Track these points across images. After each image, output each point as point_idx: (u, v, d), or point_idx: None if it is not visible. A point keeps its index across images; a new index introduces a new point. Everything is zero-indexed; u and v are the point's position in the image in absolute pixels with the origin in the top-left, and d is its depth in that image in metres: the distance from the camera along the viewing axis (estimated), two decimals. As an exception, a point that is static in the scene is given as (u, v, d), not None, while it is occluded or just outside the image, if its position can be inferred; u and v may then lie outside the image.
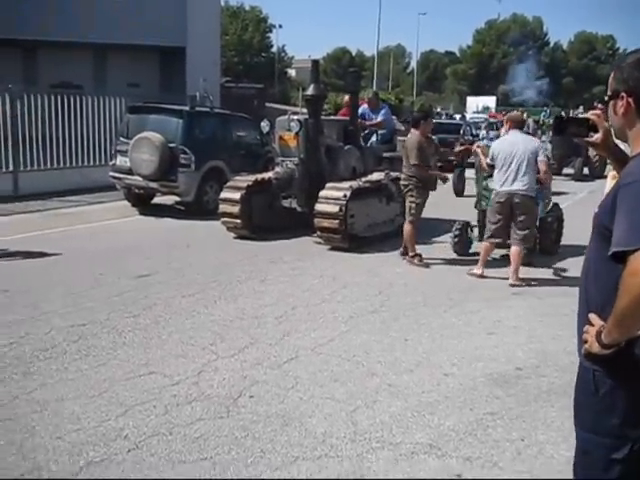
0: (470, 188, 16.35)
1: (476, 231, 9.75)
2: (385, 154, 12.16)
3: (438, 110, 45.76)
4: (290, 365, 5.44)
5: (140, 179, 12.43)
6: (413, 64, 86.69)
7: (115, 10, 24.38)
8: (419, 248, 9.49)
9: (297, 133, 10.68)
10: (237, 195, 10.36)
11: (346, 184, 10.09)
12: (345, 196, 9.70)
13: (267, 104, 30.81)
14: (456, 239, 9.75)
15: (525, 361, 5.72)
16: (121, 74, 26.35)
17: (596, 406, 2.40)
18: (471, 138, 22.55)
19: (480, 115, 42.67)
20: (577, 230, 8.74)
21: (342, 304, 7.20)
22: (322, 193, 9.90)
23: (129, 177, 12.62)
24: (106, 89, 21.27)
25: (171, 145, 12.28)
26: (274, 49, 68.31)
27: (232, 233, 10.67)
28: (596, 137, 2.63)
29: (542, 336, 6.37)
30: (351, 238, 9.97)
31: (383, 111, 12.51)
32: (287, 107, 31.30)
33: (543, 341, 6.23)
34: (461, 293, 7.81)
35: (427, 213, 11.87)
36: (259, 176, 10.91)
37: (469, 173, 17.01)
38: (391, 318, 6.79)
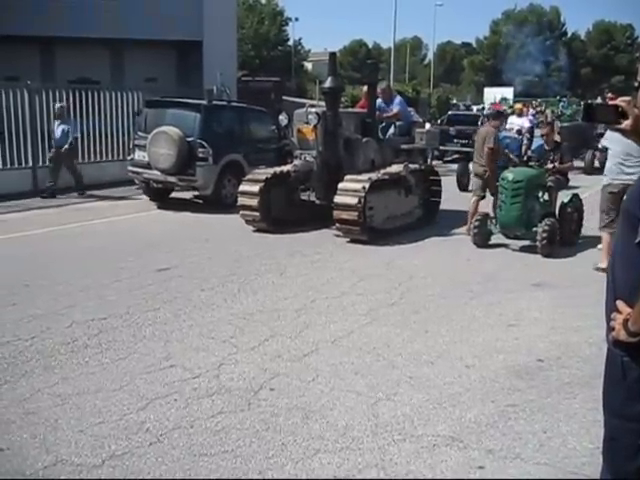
0: None
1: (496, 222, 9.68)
2: (403, 146, 12.06)
3: (454, 101, 45.52)
4: (310, 358, 5.44)
5: (158, 173, 12.47)
6: (430, 56, 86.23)
7: (132, 5, 24.42)
8: (437, 240, 9.46)
9: (315, 126, 10.61)
10: (256, 188, 10.37)
11: (365, 176, 10.05)
12: (364, 188, 9.68)
13: (284, 97, 30.75)
14: (475, 230, 9.70)
15: (546, 352, 5.67)
16: (138, 69, 26.39)
17: (624, 392, 2.40)
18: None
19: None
20: (596, 222, 8.76)
21: (362, 296, 7.18)
22: (341, 185, 9.88)
23: (147, 171, 12.67)
24: (124, 84, 21.29)
25: (189, 139, 12.30)
26: (290, 42, 68.18)
27: (250, 226, 10.67)
28: (626, 124, 2.60)
29: (563, 327, 6.32)
30: (370, 230, 9.94)
31: (397, 101, 12.42)
32: (304, 100, 31.25)
33: (564, 332, 6.18)
34: (481, 285, 7.77)
35: (444, 205, 11.91)
36: (277, 169, 10.92)
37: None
38: (411, 310, 6.76)
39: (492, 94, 56.00)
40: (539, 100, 47.74)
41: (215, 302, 6.88)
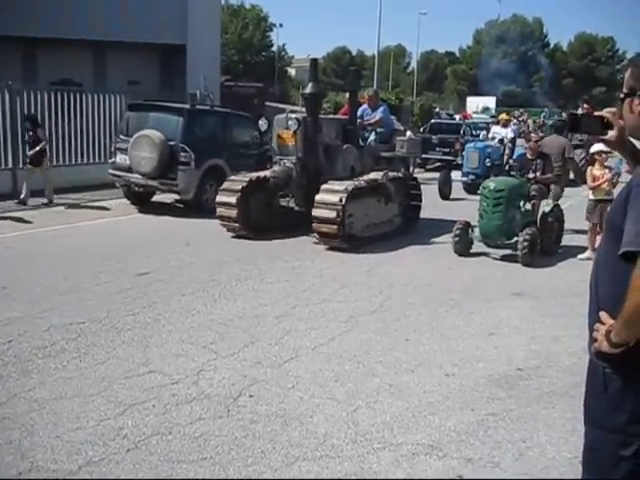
0: (456, 191, 16.30)
1: (477, 231, 9.71)
2: (383, 154, 12.01)
3: (437, 110, 45.70)
4: (290, 364, 5.42)
5: (140, 177, 12.40)
6: (413, 64, 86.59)
7: (115, 8, 24.30)
8: (418, 249, 9.45)
9: (295, 131, 10.55)
10: (233, 199, 10.27)
11: (342, 185, 9.90)
12: (341, 200, 9.56)
13: (267, 103, 30.73)
14: (457, 239, 9.72)
15: (526, 362, 5.70)
16: (121, 72, 26.23)
17: (605, 403, 2.41)
18: (471, 139, 22.43)
19: (480, 115, 42.64)
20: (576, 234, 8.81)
21: (342, 304, 7.17)
22: (318, 197, 9.74)
23: (129, 175, 12.60)
24: (106, 87, 21.18)
25: (171, 143, 12.26)
26: (274, 48, 68.21)
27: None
28: (611, 135, 2.63)
29: (543, 337, 6.35)
30: (349, 238, 9.92)
31: (381, 109, 12.39)
32: (287, 106, 31.21)
33: (544, 342, 6.20)
34: (461, 293, 7.78)
35: (425, 214, 11.95)
36: (254, 175, 10.76)
37: (454, 175, 16.98)
38: (392, 318, 6.76)
39: (475, 103, 56.40)
40: (521, 110, 48.10)
41: (195, 307, 6.84)
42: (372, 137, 12.17)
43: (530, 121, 38.90)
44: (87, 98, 15.67)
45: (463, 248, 9.74)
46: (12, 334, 5.85)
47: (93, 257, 8.88)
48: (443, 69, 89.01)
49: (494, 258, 9.71)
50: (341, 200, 9.55)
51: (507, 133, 18.65)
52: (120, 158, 12.91)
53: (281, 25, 69.25)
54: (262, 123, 12.12)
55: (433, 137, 23.93)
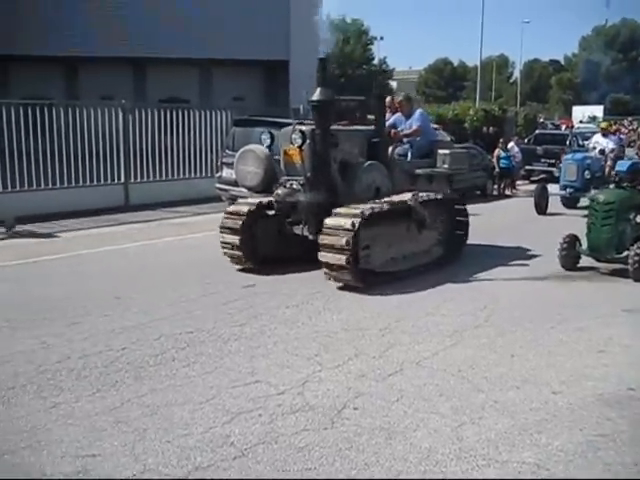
0: (554, 205, 15.70)
1: (585, 244, 9.44)
2: (418, 171, 10.14)
3: (542, 120, 44.64)
4: (395, 378, 5.42)
5: (245, 191, 12.66)
6: (516, 74, 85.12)
7: (220, 26, 25.04)
8: (521, 261, 9.19)
9: (301, 147, 8.79)
10: (237, 224, 8.95)
11: (358, 208, 8.20)
12: (354, 225, 7.89)
13: (369, 116, 30.85)
14: (564, 252, 9.47)
15: (638, 381, 5.48)
16: (226, 88, 27.00)
17: None
18: (577, 149, 21.69)
19: (588, 125, 41.28)
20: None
21: (446, 318, 7.11)
22: (327, 221, 8.14)
23: (234, 189, 12.87)
24: (212, 103, 21.82)
25: (276, 157, 12.47)
26: (375, 61, 68.48)
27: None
28: None
29: (656, 355, 6.10)
30: (364, 273, 8.20)
31: (417, 114, 10.68)
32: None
33: (658, 361, 5.97)
34: (569, 309, 7.57)
35: (519, 229, 11.67)
36: (264, 199, 9.25)
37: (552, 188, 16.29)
38: (496, 333, 6.65)
39: (581, 112, 54.80)
40: (630, 118, 46.35)
41: (300, 319, 6.94)
42: (400, 150, 10.50)
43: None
44: (194, 114, 16.16)
45: (570, 262, 9.47)
46: (125, 342, 6.11)
47: (200, 268, 9.14)
48: (547, 78, 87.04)
49: (603, 273, 9.41)
50: (354, 225, 7.89)
51: (608, 143, 17.78)
52: (226, 172, 13.24)
53: (382, 38, 69.66)
54: (265, 137, 9.97)
55: (538, 148, 23.43)
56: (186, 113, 16.04)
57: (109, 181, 14.62)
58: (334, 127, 9.17)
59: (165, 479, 3.88)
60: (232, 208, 9.29)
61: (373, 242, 8.26)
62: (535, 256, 10.39)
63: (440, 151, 10.41)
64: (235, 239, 8.93)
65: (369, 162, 9.28)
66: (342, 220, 8.01)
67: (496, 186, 20.31)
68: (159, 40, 24.36)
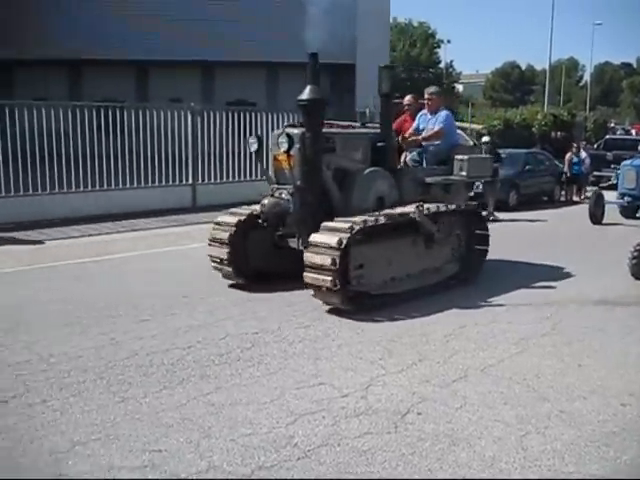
0: (611, 214, 15.14)
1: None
2: (427, 179, 8.95)
3: (612, 125, 43.60)
4: (459, 384, 5.37)
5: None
6: (586, 77, 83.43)
7: (286, 29, 25.23)
8: (590, 271, 8.96)
9: (288, 152, 7.71)
10: (225, 235, 8.18)
11: (348, 222, 7.23)
12: (340, 243, 6.94)
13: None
14: (634, 261, 9.22)
15: None
16: (292, 90, 27.17)
17: None
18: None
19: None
20: None
21: (511, 325, 7.01)
22: (313, 237, 7.22)
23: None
24: (278, 105, 22.00)
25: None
26: (442, 65, 68.01)
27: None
28: None
29: None
30: (356, 296, 7.35)
31: (443, 115, 9.58)
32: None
33: None
34: (638, 319, 7.38)
35: (582, 239, 11.40)
36: (257, 208, 8.18)
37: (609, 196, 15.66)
38: (563, 342, 6.52)
39: (654, 117, 53.28)
40: None
41: (364, 323, 6.94)
42: (410, 156, 9.64)
43: None
44: (261, 117, 16.32)
45: (640, 271, 9.22)
46: (192, 341, 6.21)
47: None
48: (619, 82, 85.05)
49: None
50: (340, 243, 6.94)
51: None
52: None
53: (449, 41, 69.20)
54: (252, 141, 8.55)
55: (607, 154, 22.93)
56: (253, 116, 16.21)
57: (177, 182, 14.89)
58: (332, 130, 8.45)
59: (230, 478, 3.92)
60: (221, 218, 8.48)
61: (368, 260, 7.39)
62: (605, 262, 10.17)
63: (457, 157, 9.21)
64: (223, 252, 8.21)
65: (371, 169, 8.36)
66: (328, 237, 7.11)
67: (564, 192, 19.95)
68: (226, 44, 24.74)
